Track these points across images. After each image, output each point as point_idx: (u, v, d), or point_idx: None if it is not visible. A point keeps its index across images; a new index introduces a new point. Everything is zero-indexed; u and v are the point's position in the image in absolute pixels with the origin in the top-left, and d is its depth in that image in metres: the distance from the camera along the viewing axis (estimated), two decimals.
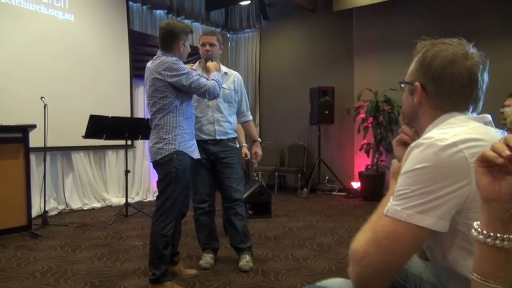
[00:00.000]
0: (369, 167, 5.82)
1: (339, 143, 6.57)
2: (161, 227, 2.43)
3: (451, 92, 0.97)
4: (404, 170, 0.89)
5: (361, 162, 6.04)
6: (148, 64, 2.57)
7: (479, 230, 0.69)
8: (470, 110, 0.99)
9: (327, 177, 6.49)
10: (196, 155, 2.61)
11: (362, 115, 5.82)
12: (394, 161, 1.11)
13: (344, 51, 6.44)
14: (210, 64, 2.76)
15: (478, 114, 1.00)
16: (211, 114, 2.92)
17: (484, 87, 0.99)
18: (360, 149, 5.89)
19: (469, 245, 0.85)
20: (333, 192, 6.34)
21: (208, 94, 2.52)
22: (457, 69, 0.95)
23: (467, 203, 0.83)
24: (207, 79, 2.61)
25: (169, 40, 2.52)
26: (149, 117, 2.60)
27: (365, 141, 5.80)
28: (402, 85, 1.07)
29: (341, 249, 3.31)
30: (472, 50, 0.98)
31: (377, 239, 0.87)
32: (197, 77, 2.51)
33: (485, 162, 0.67)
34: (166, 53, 2.52)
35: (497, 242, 0.66)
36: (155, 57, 2.55)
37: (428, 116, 1.00)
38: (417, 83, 1.01)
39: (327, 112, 6.22)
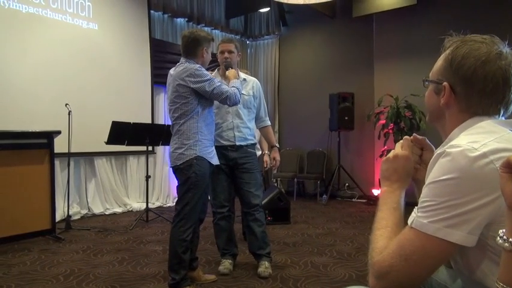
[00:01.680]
0: None
1: (359, 149, 6.49)
2: (181, 232, 2.45)
3: (483, 95, 0.90)
4: (430, 180, 0.84)
5: None
6: (171, 71, 2.62)
7: (504, 237, 0.66)
8: (501, 114, 0.92)
9: (347, 184, 6.41)
10: (215, 161, 2.64)
11: (382, 121, 5.74)
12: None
13: (364, 57, 6.38)
14: (229, 72, 2.80)
15: (506, 118, 0.94)
16: (231, 120, 2.94)
17: None
18: (381, 156, 5.80)
19: (499, 259, 0.81)
20: (353, 199, 6.26)
21: (229, 100, 2.56)
22: (491, 70, 0.88)
23: (498, 216, 0.78)
24: (228, 86, 2.65)
25: (193, 47, 2.57)
26: (170, 123, 2.65)
27: (386, 147, 5.71)
28: (426, 82, 1.01)
29: (361, 257, 3.25)
30: (505, 49, 0.90)
31: (404, 253, 0.84)
32: (219, 83, 2.56)
33: (510, 168, 0.65)
34: (189, 60, 2.57)
35: None
36: (178, 64, 2.60)
37: (455, 118, 0.94)
38: (445, 83, 0.93)
39: (346, 118, 6.17)
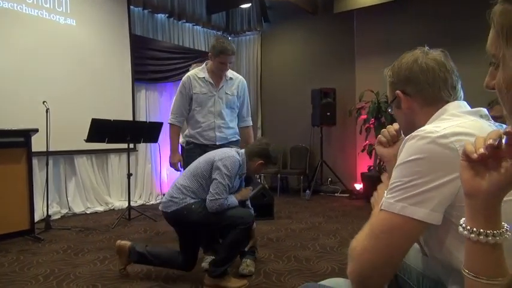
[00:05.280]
0: (372, 168, 5.81)
1: (341, 145, 6.56)
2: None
3: (428, 83, 1.02)
4: (398, 162, 0.89)
5: (364, 163, 6.03)
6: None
7: (464, 225, 0.68)
8: (453, 96, 1.03)
9: (330, 179, 6.48)
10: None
11: (364, 116, 5.81)
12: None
13: (345, 53, 6.44)
14: (243, 191, 2.72)
15: (470, 105, 1.02)
16: (213, 120, 2.94)
17: (456, 72, 1.04)
18: (362, 150, 5.87)
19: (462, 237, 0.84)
20: (336, 194, 6.33)
21: (213, 202, 2.45)
22: (423, 62, 1.03)
23: (459, 196, 0.82)
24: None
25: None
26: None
27: (367, 142, 5.79)
28: (389, 110, 1.15)
29: (344, 251, 3.29)
30: (430, 50, 1.06)
31: (374, 233, 0.87)
32: (227, 186, 2.49)
33: (466, 156, 0.66)
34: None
35: (481, 237, 0.64)
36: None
37: (422, 116, 1.03)
38: (398, 91, 1.07)
39: (328, 113, 6.22)
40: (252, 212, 2.73)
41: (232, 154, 2.55)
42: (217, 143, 2.93)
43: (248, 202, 2.83)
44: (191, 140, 3.10)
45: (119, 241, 2.73)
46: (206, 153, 2.64)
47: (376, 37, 6.11)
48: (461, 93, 1.05)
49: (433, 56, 1.04)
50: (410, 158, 0.86)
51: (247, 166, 2.61)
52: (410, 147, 0.88)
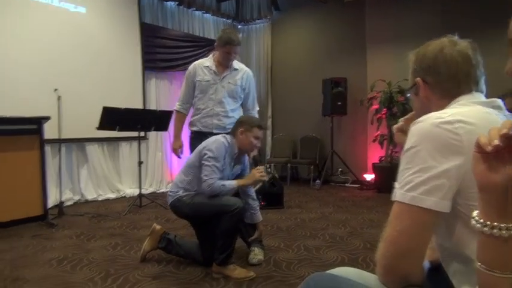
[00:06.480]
0: (383, 158, 5.76)
1: (352, 135, 6.51)
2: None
3: (450, 76, 0.99)
4: (404, 149, 0.89)
5: (375, 153, 5.98)
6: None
7: (476, 218, 0.67)
8: (473, 91, 0.99)
9: (340, 169, 6.45)
10: None
11: (375, 106, 5.75)
12: None
13: (356, 42, 6.35)
14: (250, 176, 2.67)
15: (486, 96, 1.00)
16: (212, 107, 2.96)
17: (481, 67, 1.01)
18: (374, 141, 5.82)
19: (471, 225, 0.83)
20: (346, 184, 6.30)
21: (204, 184, 2.48)
22: (448, 53, 0.99)
23: (464, 182, 0.81)
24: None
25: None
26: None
27: (378, 132, 5.73)
28: (408, 94, 1.12)
29: (353, 241, 3.29)
30: (458, 39, 1.03)
31: (392, 226, 0.86)
32: (214, 167, 2.50)
33: (479, 148, 0.64)
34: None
35: (495, 231, 0.63)
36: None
37: (438, 108, 0.99)
38: (418, 79, 1.05)
39: (339, 103, 6.16)
40: (252, 202, 2.77)
41: (218, 138, 2.62)
42: (214, 131, 2.95)
43: (253, 194, 2.81)
44: (193, 128, 3.15)
45: (155, 224, 2.87)
46: (198, 146, 2.68)
47: (388, 25, 6.00)
48: (483, 88, 1.02)
49: (460, 47, 1.00)
50: (414, 144, 0.85)
51: (237, 143, 2.63)
52: (413, 133, 0.87)
